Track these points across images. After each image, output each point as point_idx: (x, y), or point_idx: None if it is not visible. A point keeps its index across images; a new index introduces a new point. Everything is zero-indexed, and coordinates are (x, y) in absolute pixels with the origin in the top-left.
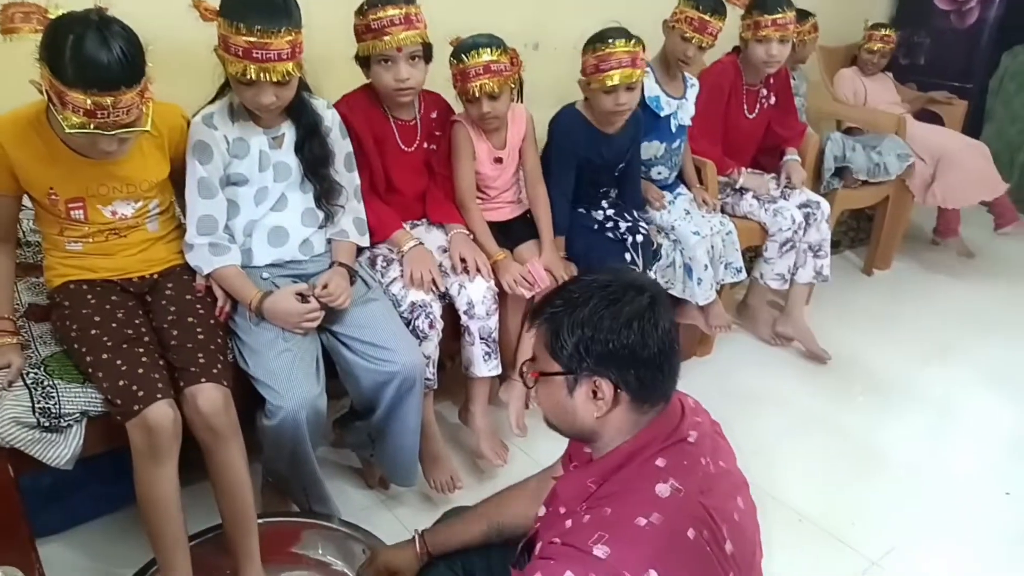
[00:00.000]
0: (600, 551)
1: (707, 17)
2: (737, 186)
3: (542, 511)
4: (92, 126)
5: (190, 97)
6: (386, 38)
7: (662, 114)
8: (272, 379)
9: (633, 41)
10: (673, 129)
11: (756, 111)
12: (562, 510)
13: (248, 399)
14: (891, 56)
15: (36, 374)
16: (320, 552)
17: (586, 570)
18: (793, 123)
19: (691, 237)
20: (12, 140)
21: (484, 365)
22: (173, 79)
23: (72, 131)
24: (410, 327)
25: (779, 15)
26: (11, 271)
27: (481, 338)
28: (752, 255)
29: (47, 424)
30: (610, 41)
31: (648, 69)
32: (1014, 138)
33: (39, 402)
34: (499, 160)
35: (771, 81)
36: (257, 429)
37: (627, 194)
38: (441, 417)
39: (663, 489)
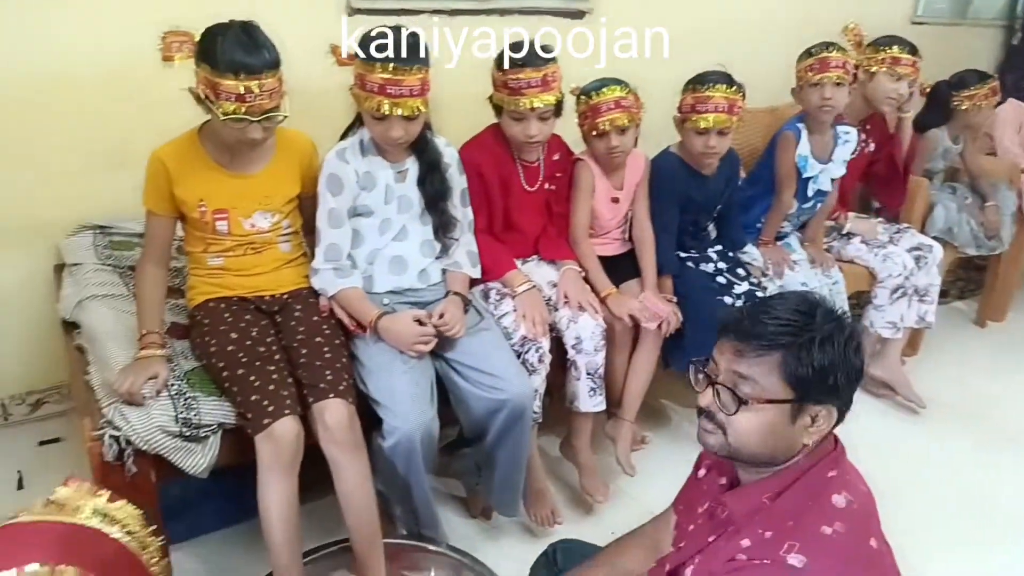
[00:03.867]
0: (795, 560)
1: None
2: (844, 231)
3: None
4: (243, 110)
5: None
6: (521, 100)
7: (804, 174)
8: (390, 400)
9: (734, 88)
10: (810, 193)
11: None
12: (731, 527)
13: (364, 423)
14: None
15: (179, 386)
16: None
17: None
18: (898, 190)
19: (797, 288)
20: (173, 161)
21: (589, 400)
22: (305, 119)
23: (225, 118)
24: (520, 359)
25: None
26: (164, 291)
27: (588, 373)
28: (855, 302)
29: (188, 434)
30: (710, 84)
31: (800, 127)
32: None
33: (181, 412)
34: (616, 200)
35: (868, 127)
36: (372, 451)
37: (728, 234)
38: (542, 451)
39: (839, 500)
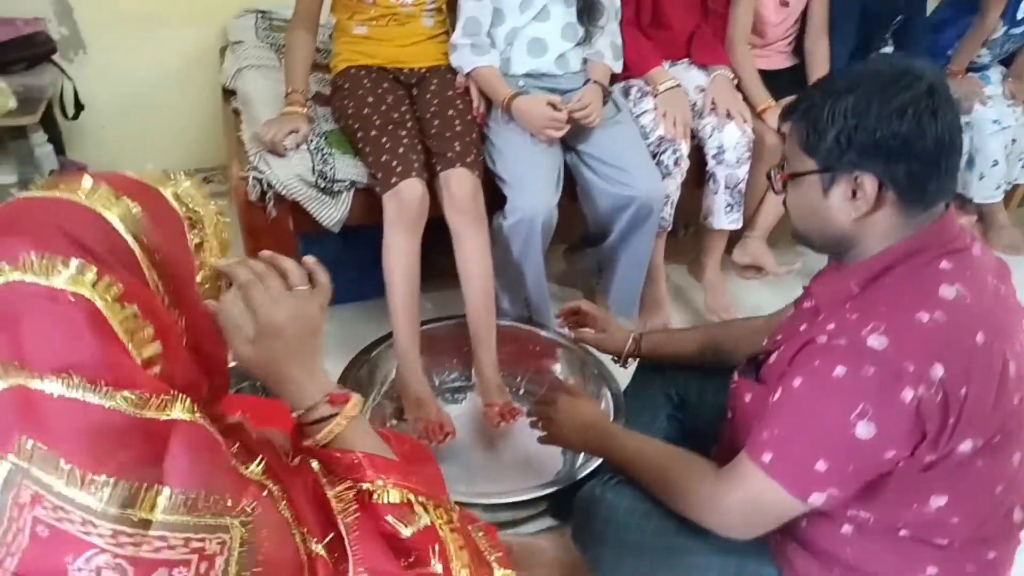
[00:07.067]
0: (876, 341)
1: None
2: None
3: (782, 326)
4: None
5: None
6: None
7: None
8: (515, 180)
9: None
10: (1020, 15)
11: None
12: (820, 316)
13: (489, 205)
14: None
15: (318, 143)
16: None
17: (860, 363)
18: None
19: (988, 126)
20: None
21: (724, 217)
22: None
23: None
24: (655, 160)
25: None
26: (310, 55)
27: (726, 187)
28: None
29: (323, 186)
30: None
31: None
32: None
33: (318, 166)
34: (785, 3)
35: None
36: (493, 229)
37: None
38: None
39: (948, 291)
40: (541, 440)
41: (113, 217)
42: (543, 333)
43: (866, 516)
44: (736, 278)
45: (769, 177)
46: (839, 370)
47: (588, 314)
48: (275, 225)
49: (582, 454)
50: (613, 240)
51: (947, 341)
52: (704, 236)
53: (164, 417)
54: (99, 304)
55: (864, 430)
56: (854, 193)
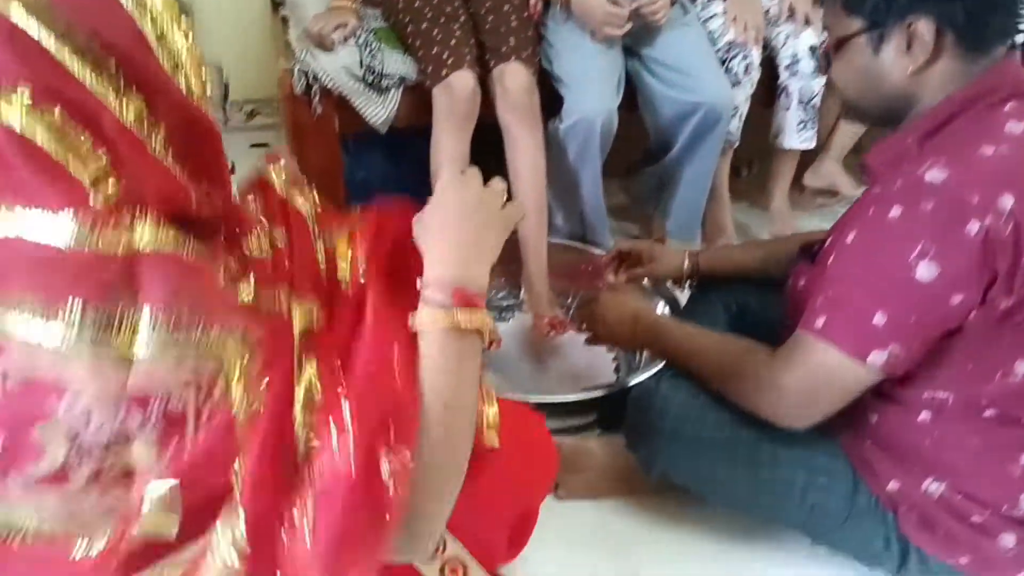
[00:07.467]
0: (934, 175)
1: None
2: None
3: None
4: None
5: None
6: None
7: None
8: (573, 80)
9: None
10: None
11: None
12: (877, 184)
13: (545, 111)
14: None
15: (367, 37)
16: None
17: (917, 199)
18: None
19: None
20: None
21: (796, 135)
22: None
23: None
24: (724, 67)
25: None
26: None
27: (800, 102)
28: None
29: (370, 80)
30: None
31: None
32: None
33: (366, 60)
34: None
35: None
36: (548, 135)
37: None
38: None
39: (1016, 127)
40: (588, 341)
41: (10, 7)
42: (597, 251)
43: (944, 396)
44: (802, 209)
45: (813, 51)
46: (895, 211)
47: (631, 251)
48: (320, 123)
49: (635, 363)
50: (676, 152)
51: (1017, 170)
52: (773, 159)
53: (124, 247)
54: (10, 121)
55: (926, 271)
56: (909, 45)
